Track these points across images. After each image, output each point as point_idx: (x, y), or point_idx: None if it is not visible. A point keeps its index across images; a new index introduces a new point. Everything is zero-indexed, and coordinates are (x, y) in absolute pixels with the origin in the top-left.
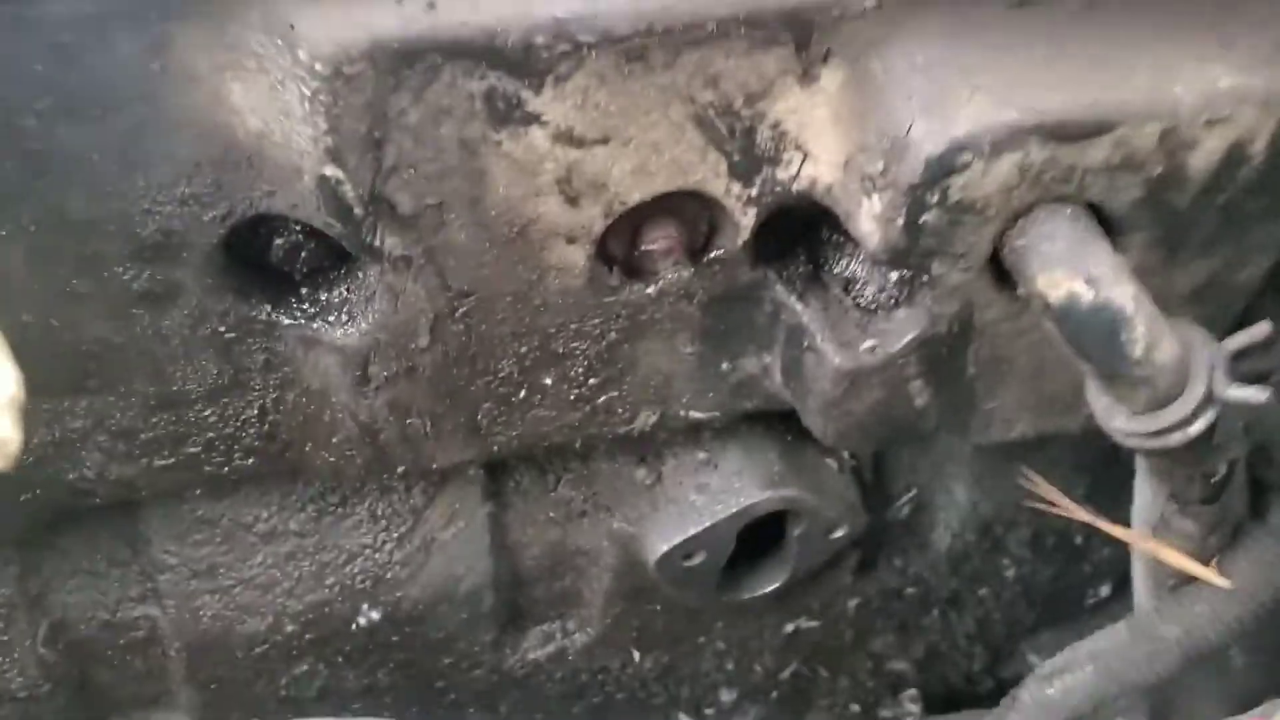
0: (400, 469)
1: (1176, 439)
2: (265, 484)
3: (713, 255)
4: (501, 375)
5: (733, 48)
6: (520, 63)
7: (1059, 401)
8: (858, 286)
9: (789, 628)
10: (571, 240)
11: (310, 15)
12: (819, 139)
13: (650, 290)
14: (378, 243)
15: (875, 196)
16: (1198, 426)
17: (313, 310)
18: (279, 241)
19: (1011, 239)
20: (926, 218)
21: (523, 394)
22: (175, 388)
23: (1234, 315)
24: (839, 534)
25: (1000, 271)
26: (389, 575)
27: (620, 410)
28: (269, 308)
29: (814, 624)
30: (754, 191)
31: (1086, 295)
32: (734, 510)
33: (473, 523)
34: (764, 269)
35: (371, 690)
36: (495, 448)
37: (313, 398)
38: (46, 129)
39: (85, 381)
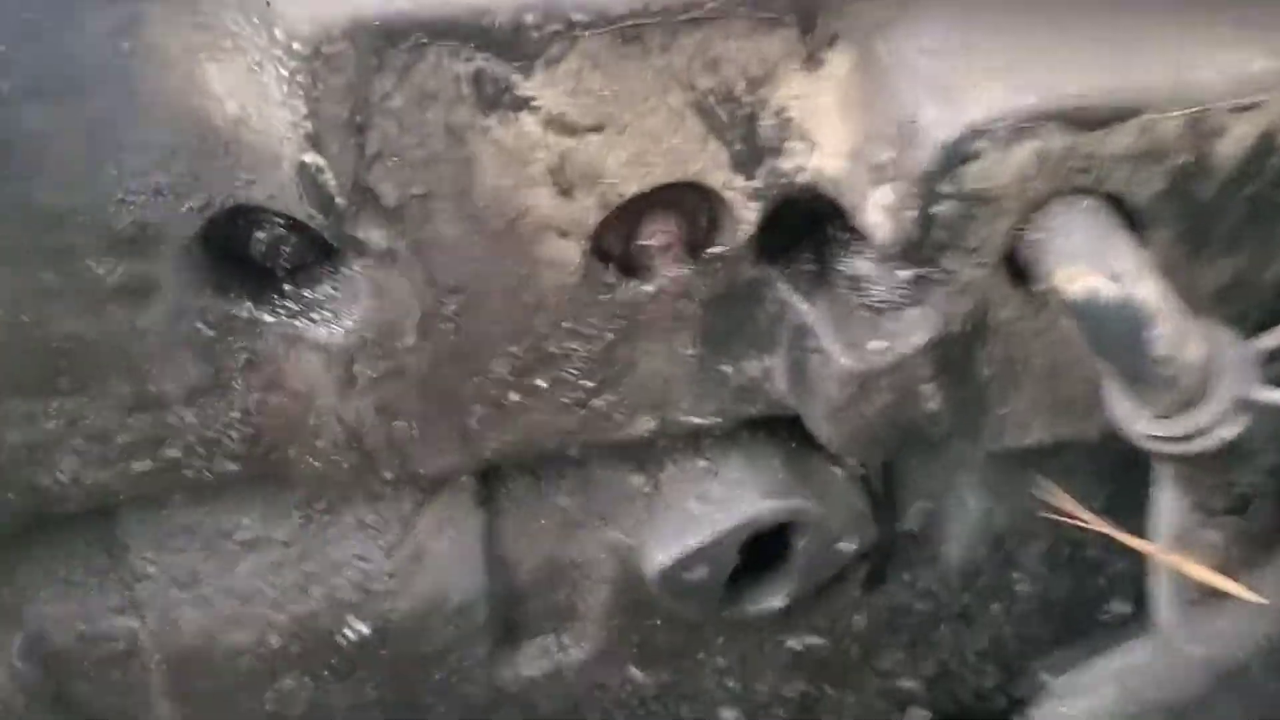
0: (388, 475)
1: (1202, 445)
2: (249, 490)
3: (714, 251)
4: (492, 377)
5: (733, 29)
6: (509, 44)
7: (1076, 406)
8: (866, 284)
9: (794, 644)
10: (565, 234)
11: None
12: (825, 127)
13: (648, 288)
14: (361, 235)
15: (884, 187)
16: (1225, 432)
17: (295, 307)
18: (260, 235)
19: (1028, 232)
20: (938, 209)
21: (515, 397)
22: (152, 388)
23: (1262, 317)
24: (846, 546)
25: (1016, 267)
26: (378, 586)
27: (617, 415)
28: (250, 304)
29: (820, 640)
30: (757, 184)
31: (1107, 291)
32: (736, 522)
33: (464, 532)
34: (767, 266)
35: (359, 706)
36: (487, 454)
37: (297, 399)
38: (11, 112)
39: (57, 381)
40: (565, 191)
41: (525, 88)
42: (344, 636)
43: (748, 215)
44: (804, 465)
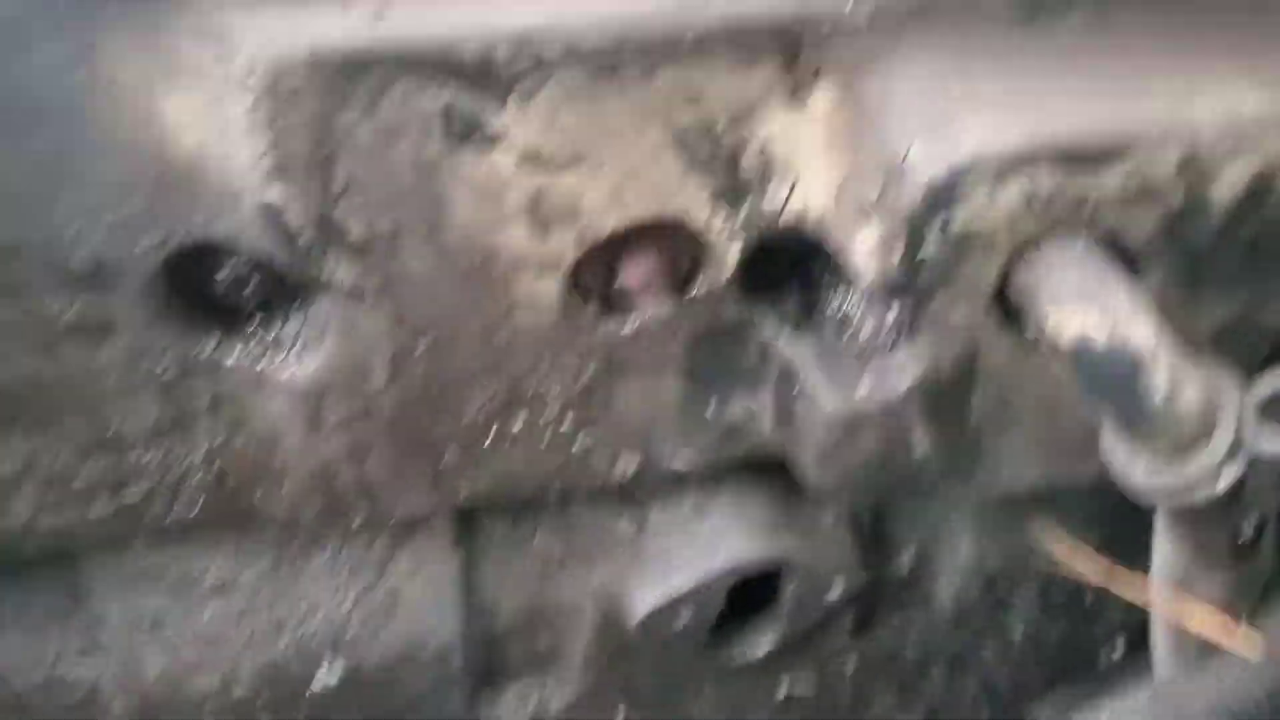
0: (358, 519)
1: (1202, 494)
2: (215, 533)
3: (696, 290)
4: (466, 419)
5: (713, 64)
6: (480, 78)
7: (1071, 449)
8: (853, 325)
9: (783, 690)
10: (541, 272)
11: (248, 22)
12: (809, 164)
13: (628, 328)
14: (327, 273)
15: (871, 226)
16: (1225, 480)
17: (260, 347)
18: (223, 272)
19: (1019, 273)
20: (926, 249)
21: (490, 439)
22: (111, 430)
23: (1260, 361)
24: (835, 591)
25: (1007, 309)
26: (350, 633)
27: (597, 457)
28: (213, 344)
29: (809, 684)
30: (739, 221)
31: (1102, 335)
32: (723, 566)
33: (441, 575)
34: (752, 305)
35: None
36: (461, 497)
37: (262, 442)
38: None
39: (12, 422)
40: (541, 229)
41: (497, 123)
42: (315, 684)
43: (730, 253)
44: (792, 507)
